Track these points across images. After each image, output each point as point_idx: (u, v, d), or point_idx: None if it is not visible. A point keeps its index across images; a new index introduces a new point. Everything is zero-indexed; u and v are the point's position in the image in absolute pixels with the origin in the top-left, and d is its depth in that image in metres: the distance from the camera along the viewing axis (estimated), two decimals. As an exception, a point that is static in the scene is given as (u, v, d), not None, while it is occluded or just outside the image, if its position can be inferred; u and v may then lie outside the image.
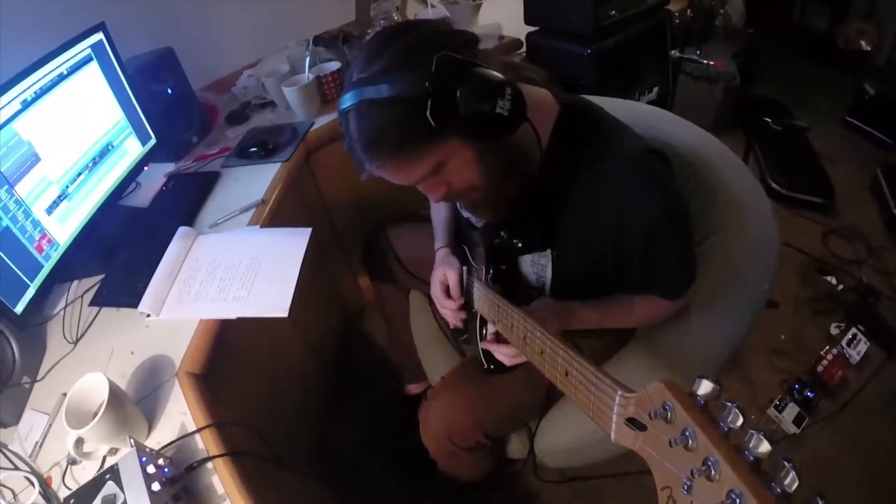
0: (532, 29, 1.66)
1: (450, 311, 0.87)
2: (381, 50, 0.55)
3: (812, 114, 2.14)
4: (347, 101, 0.55)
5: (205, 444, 0.62)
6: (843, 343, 1.33)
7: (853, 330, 1.34)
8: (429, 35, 0.56)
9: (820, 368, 1.28)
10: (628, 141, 0.66)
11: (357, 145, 0.56)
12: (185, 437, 0.63)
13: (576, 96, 0.72)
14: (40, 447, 0.68)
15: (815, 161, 1.89)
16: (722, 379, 0.36)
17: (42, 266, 0.83)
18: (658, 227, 0.63)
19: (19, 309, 0.78)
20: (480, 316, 0.82)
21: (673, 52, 1.76)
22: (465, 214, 0.87)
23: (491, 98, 0.53)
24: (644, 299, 0.73)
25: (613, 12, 1.50)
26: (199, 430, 0.63)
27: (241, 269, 0.85)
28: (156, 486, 0.53)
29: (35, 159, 0.82)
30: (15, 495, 0.63)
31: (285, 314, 0.77)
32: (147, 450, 0.58)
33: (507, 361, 0.72)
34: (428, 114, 0.52)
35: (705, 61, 1.82)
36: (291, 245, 0.87)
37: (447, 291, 0.86)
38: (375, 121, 0.54)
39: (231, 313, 0.78)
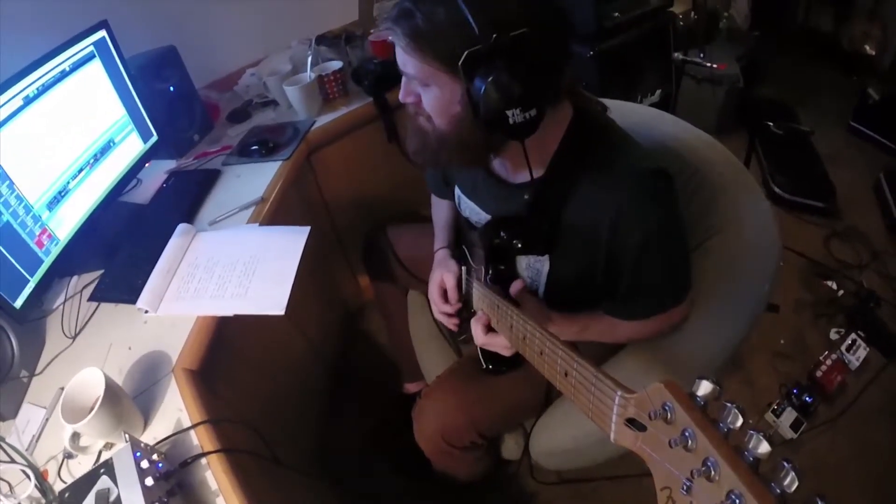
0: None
1: (444, 316, 0.87)
2: None
3: (816, 116, 2.13)
4: None
5: (199, 440, 0.63)
6: (843, 349, 1.32)
7: (853, 335, 1.33)
8: (547, 9, 0.56)
9: (819, 374, 1.27)
10: (635, 156, 0.66)
11: (409, 6, 0.56)
12: (180, 433, 0.64)
13: (594, 107, 0.71)
14: (37, 441, 0.69)
15: (818, 164, 1.88)
16: (722, 381, 0.36)
17: (42, 261, 0.83)
18: (651, 242, 0.63)
19: (18, 303, 0.78)
20: None
21: (676, 54, 1.76)
22: (465, 214, 0.87)
23: (514, 104, 0.53)
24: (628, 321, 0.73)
25: (616, 14, 1.50)
26: (193, 427, 0.63)
27: (240, 266, 0.85)
28: (149, 481, 0.53)
29: (37, 155, 0.83)
30: (11, 488, 0.64)
31: (282, 312, 0.77)
32: (142, 445, 0.58)
33: (479, 341, 0.73)
34: (467, 51, 0.53)
35: (708, 64, 1.82)
36: (290, 243, 0.88)
37: (445, 295, 0.86)
38: (438, 13, 0.55)
39: (228, 310, 0.79)
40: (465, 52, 0.53)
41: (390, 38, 0.60)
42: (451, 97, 0.59)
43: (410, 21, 0.56)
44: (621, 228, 0.63)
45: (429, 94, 0.62)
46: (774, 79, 2.43)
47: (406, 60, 0.60)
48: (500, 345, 0.70)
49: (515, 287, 0.69)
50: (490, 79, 0.53)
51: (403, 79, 0.64)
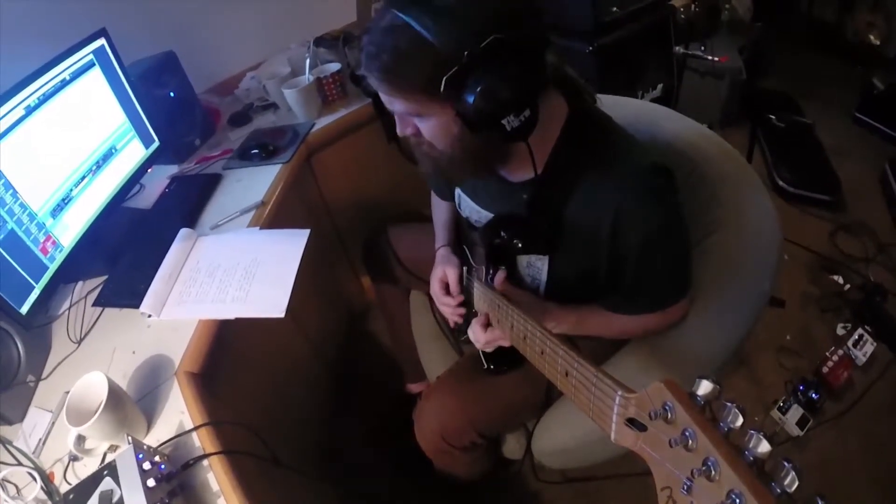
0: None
1: (448, 308, 0.87)
2: None
3: (821, 107, 2.10)
4: (397, 8, 0.54)
5: (201, 442, 0.64)
6: (849, 344, 1.31)
7: (859, 330, 1.32)
8: (509, 3, 0.55)
9: (825, 370, 1.26)
10: (634, 153, 0.66)
11: (372, 49, 0.56)
12: (182, 435, 0.65)
13: (588, 101, 0.71)
14: (44, 444, 0.70)
15: (823, 156, 1.86)
16: (726, 378, 0.36)
17: (47, 268, 0.84)
18: (652, 241, 0.63)
19: (24, 309, 0.80)
20: None
21: (677, 48, 1.74)
22: (465, 214, 0.87)
23: (505, 109, 0.53)
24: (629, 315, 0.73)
25: (614, 8, 1.49)
26: (194, 429, 0.64)
27: (240, 270, 0.86)
28: (151, 483, 0.54)
29: (39, 164, 0.84)
30: (18, 490, 0.65)
31: (282, 315, 0.78)
32: (144, 447, 0.59)
33: (480, 343, 0.73)
34: (445, 78, 0.52)
35: (710, 57, 1.80)
36: (289, 246, 0.88)
37: (447, 289, 0.87)
38: (400, 46, 0.54)
39: (229, 314, 0.80)
40: (444, 79, 0.52)
41: (371, 82, 0.59)
42: (446, 120, 0.59)
43: (378, 62, 0.56)
44: (622, 228, 0.63)
45: (425, 124, 0.61)
46: (778, 70, 2.40)
47: (390, 100, 0.60)
48: (499, 337, 0.70)
49: (499, 279, 0.69)
50: (476, 93, 0.52)
51: (396, 116, 0.64)
